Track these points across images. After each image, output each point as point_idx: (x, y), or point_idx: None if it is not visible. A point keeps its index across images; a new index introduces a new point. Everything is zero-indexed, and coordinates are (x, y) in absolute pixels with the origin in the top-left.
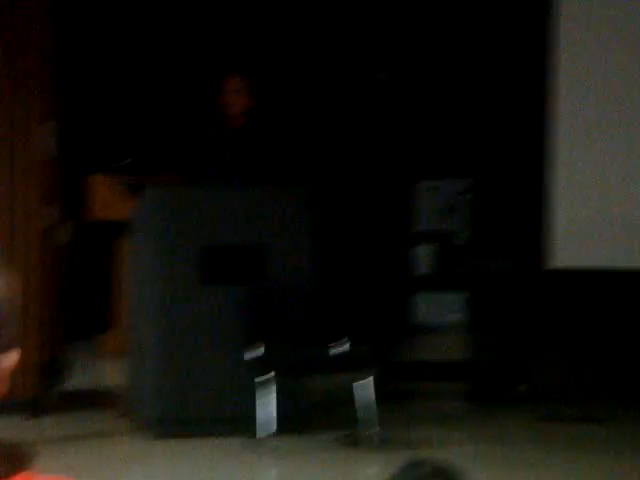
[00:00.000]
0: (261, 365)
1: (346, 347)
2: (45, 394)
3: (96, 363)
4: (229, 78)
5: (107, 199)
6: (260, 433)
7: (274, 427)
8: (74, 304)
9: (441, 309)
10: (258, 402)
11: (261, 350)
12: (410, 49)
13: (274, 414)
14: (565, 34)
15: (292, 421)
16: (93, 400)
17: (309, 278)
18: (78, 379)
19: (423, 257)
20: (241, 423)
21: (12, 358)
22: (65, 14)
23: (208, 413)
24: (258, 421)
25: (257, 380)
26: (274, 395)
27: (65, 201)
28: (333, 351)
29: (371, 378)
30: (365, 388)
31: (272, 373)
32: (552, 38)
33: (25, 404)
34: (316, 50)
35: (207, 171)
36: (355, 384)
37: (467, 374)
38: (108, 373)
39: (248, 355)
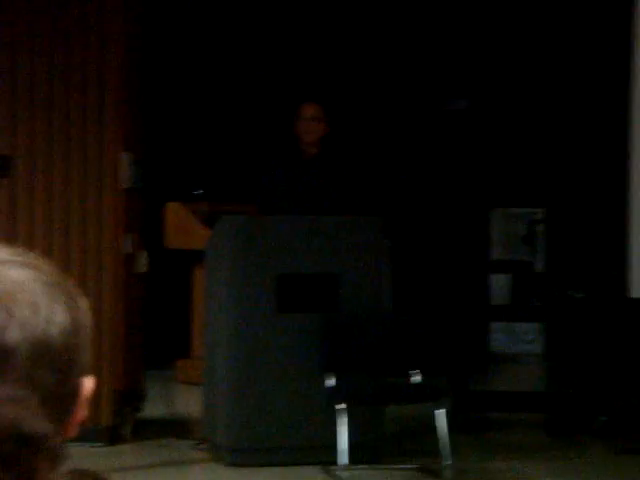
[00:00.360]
0: (337, 394)
1: (421, 377)
2: (122, 422)
3: (173, 391)
4: (304, 105)
5: (184, 227)
6: (338, 461)
7: (349, 456)
8: (153, 332)
9: (518, 339)
10: (338, 430)
11: (336, 379)
12: (486, 77)
13: (350, 443)
14: None
15: (368, 450)
16: (169, 428)
17: (385, 307)
18: (155, 407)
19: (499, 286)
20: (315, 452)
21: (90, 384)
22: (141, 48)
23: (282, 441)
24: (338, 449)
25: (336, 409)
26: (349, 424)
27: (144, 229)
28: (408, 381)
29: (445, 409)
30: (440, 419)
31: (348, 402)
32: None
33: (102, 432)
34: (393, 77)
35: (282, 200)
36: (434, 414)
37: (545, 405)
38: (185, 401)
39: (324, 384)
